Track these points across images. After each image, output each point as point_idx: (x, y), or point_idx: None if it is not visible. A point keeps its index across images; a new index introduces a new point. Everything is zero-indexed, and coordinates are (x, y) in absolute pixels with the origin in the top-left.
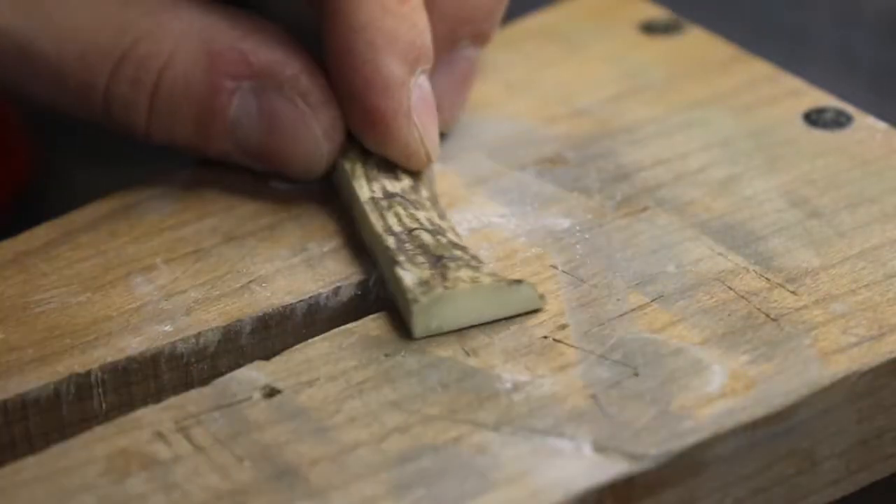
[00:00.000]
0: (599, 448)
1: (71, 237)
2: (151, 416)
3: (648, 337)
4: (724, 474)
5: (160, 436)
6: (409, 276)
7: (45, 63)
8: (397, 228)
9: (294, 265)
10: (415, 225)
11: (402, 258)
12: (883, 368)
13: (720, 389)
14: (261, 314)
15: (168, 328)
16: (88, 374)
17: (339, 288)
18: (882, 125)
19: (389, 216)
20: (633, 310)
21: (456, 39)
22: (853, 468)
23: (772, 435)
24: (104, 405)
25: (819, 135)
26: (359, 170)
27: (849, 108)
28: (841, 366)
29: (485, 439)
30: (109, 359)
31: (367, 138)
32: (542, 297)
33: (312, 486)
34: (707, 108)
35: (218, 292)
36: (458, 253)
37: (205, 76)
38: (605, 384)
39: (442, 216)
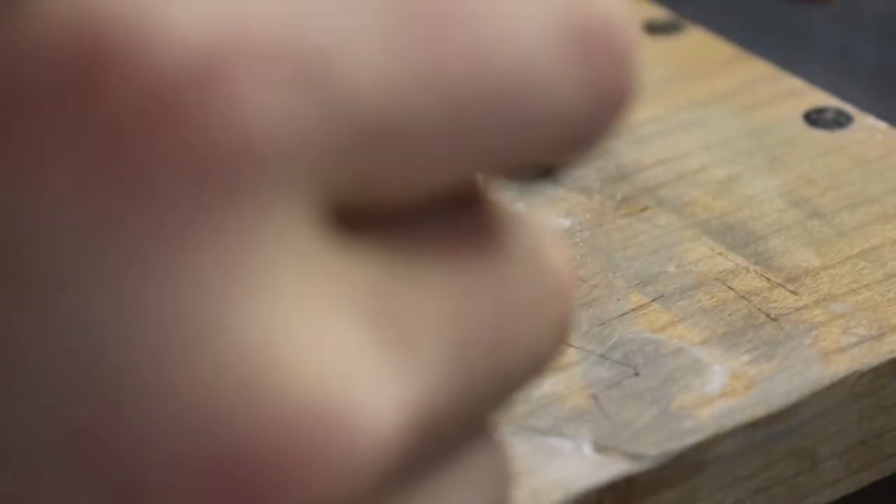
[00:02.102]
0: (599, 448)
1: None
2: None
3: (649, 337)
4: (724, 474)
5: None
6: None
7: None
8: None
9: None
10: None
11: None
12: (883, 368)
13: (720, 389)
14: None
15: None
16: None
17: None
18: (882, 125)
19: None
20: (633, 309)
21: None
22: (853, 468)
23: (772, 435)
24: None
25: (819, 135)
26: None
27: (849, 108)
28: (841, 366)
29: None
30: None
31: None
32: None
33: None
34: (707, 108)
35: None
36: None
37: None
38: (605, 384)
39: None
